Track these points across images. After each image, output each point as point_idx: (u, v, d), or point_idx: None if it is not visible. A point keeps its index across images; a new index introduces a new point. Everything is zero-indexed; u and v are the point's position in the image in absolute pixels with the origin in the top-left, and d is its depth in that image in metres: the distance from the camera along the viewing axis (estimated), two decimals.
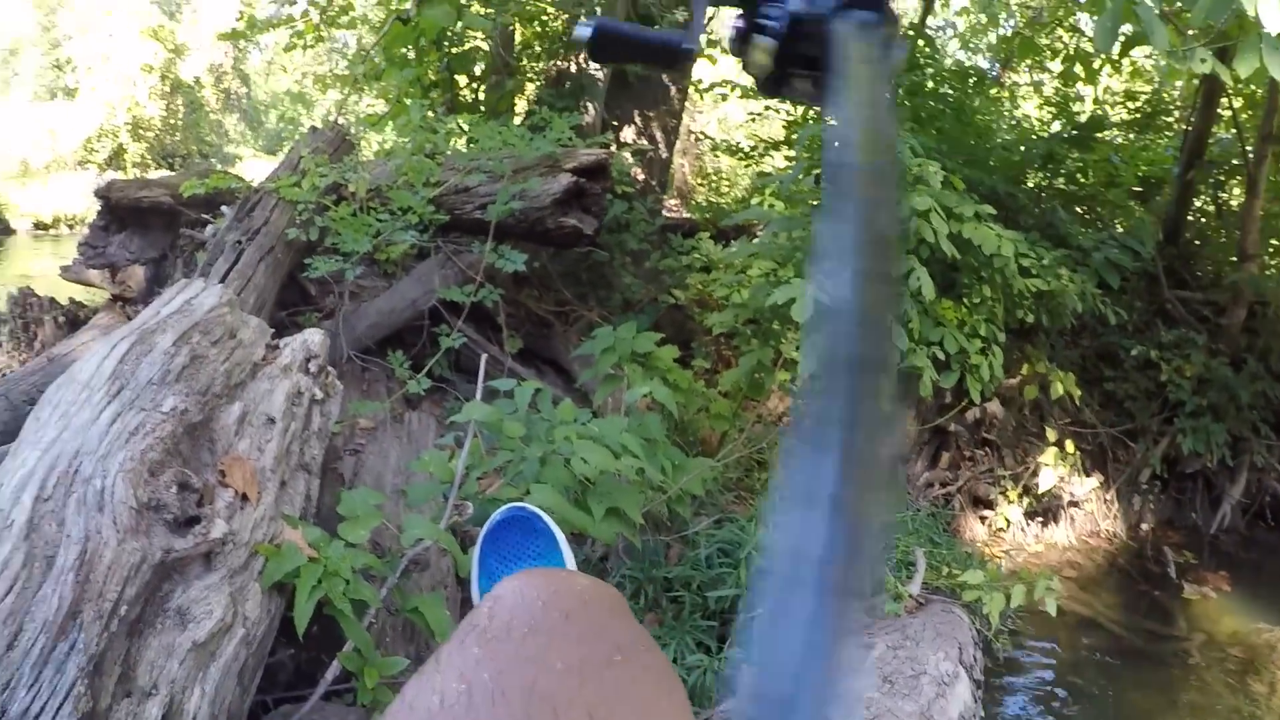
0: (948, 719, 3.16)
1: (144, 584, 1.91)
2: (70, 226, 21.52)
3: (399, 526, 2.83)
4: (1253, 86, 7.43)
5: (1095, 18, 6.85)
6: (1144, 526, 7.22)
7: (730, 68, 9.03)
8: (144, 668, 1.85)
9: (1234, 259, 7.77)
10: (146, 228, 5.97)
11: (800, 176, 5.33)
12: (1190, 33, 4.44)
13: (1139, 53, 9.69)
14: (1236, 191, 8.66)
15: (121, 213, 6.00)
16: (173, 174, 11.56)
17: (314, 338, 3.18)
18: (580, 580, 0.86)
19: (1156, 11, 4.11)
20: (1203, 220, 8.99)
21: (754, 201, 8.16)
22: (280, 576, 2.24)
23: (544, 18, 8.02)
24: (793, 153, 7.72)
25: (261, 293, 4.64)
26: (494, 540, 1.54)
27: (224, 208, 5.43)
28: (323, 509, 2.93)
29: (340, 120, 6.63)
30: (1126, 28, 4.56)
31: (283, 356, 3.01)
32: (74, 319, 5.59)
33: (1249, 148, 7.46)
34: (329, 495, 3.06)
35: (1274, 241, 8.41)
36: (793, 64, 0.81)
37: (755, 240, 6.69)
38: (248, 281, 4.56)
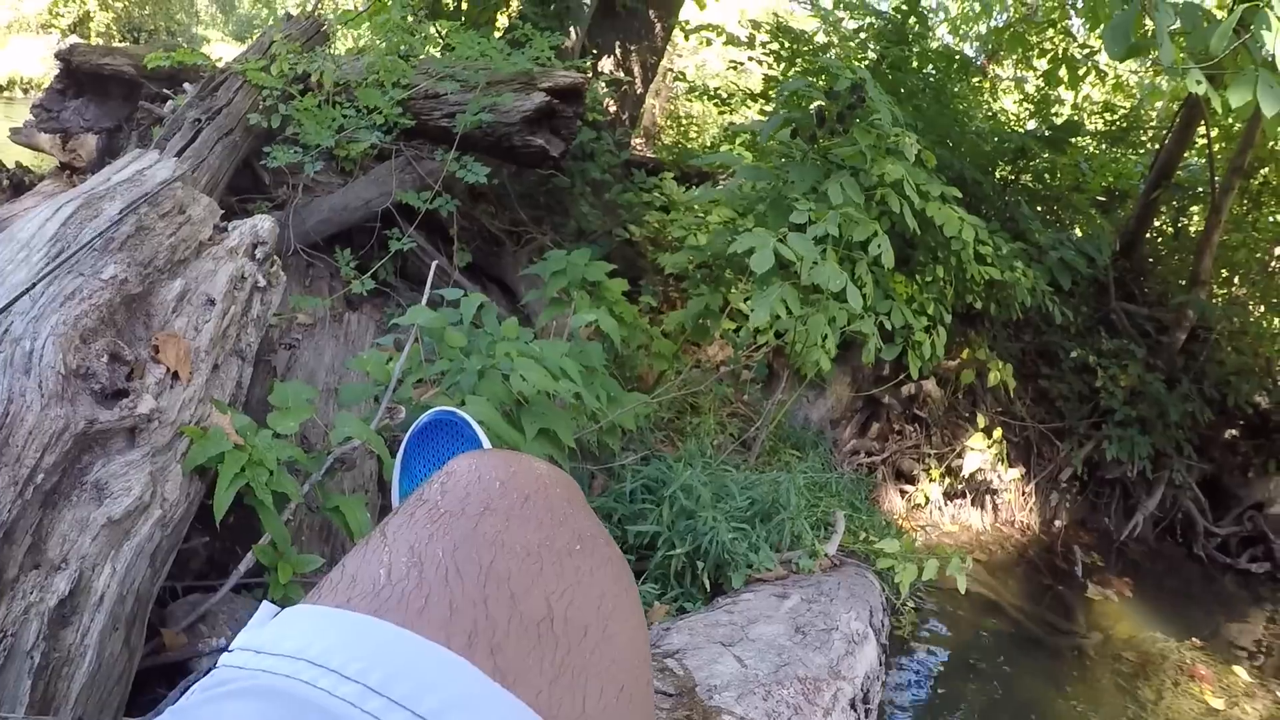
0: (854, 675, 3.21)
1: (64, 453, 1.86)
2: (25, 90, 20.96)
3: (328, 424, 2.80)
4: (1230, 119, 7.57)
5: (1087, 24, 6.91)
6: (1057, 523, 7.39)
7: (717, 14, 8.96)
8: (55, 540, 1.81)
9: (1183, 281, 7.99)
10: (105, 96, 5.80)
11: (774, 130, 5.29)
12: (1181, 54, 4.48)
13: (1123, 68, 9.82)
14: (1196, 217, 8.84)
15: (81, 78, 5.83)
16: (138, 46, 11.32)
17: (264, 224, 3.12)
18: (539, 464, 0.81)
19: (1169, 28, 4.15)
20: (1159, 240, 9.22)
21: (723, 148, 8.13)
22: (203, 460, 2.20)
23: None
24: (768, 107, 7.69)
25: (215, 174, 4.54)
26: (419, 443, 1.50)
27: (187, 85, 5.30)
28: (252, 399, 2.88)
29: (317, 11, 6.49)
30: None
31: (230, 239, 2.95)
32: (19, 184, 5.44)
33: (1218, 177, 7.58)
34: (260, 386, 3.02)
35: (1224, 271, 8.61)
36: None
37: (719, 187, 6.67)
38: (202, 161, 4.45)
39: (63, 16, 25.46)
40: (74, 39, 21.08)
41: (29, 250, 2.31)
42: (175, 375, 2.29)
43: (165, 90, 5.48)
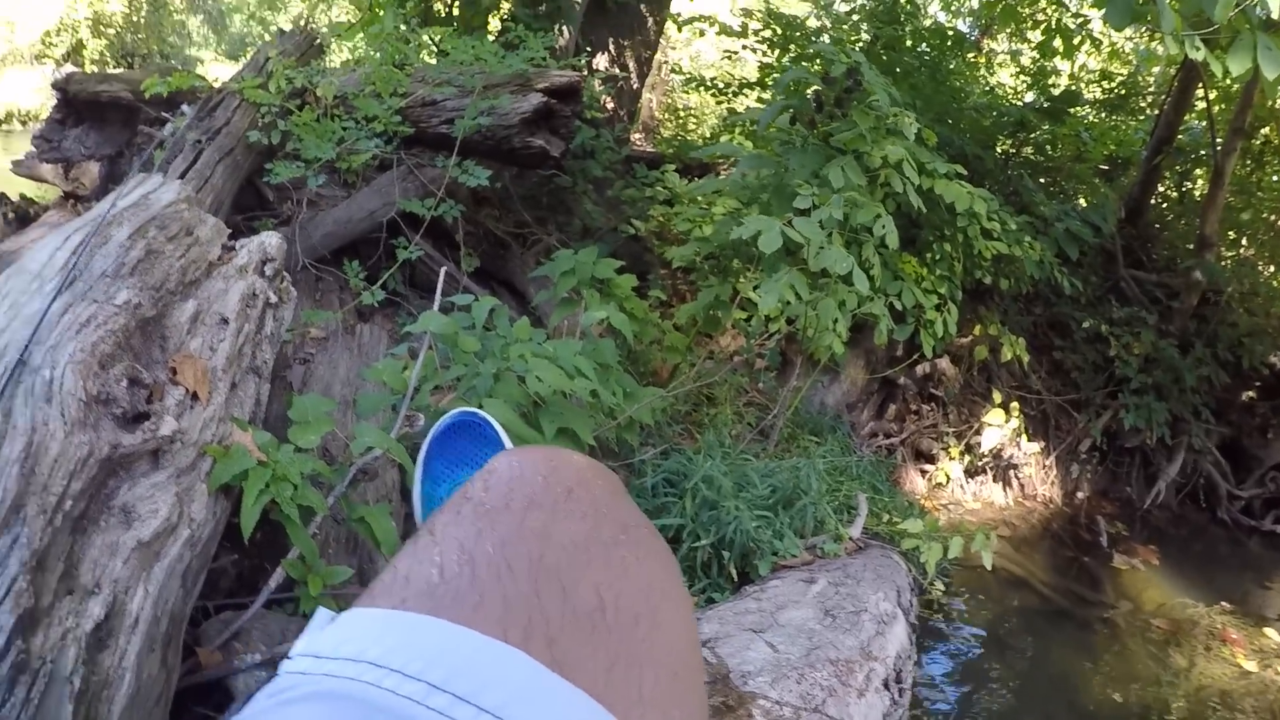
0: (886, 656, 3.21)
1: (90, 479, 1.87)
2: (23, 122, 21.16)
3: (348, 435, 2.81)
4: (1229, 80, 7.57)
5: None
6: (1080, 495, 7.38)
7: (708, 4, 8.98)
8: (87, 565, 1.81)
9: (1190, 246, 7.94)
10: (104, 123, 5.82)
11: (772, 119, 5.29)
12: (1176, 17, 4.48)
13: (1118, 34, 9.80)
14: (1200, 181, 8.80)
15: (79, 107, 5.84)
16: (134, 71, 11.38)
17: (271, 241, 3.13)
18: (578, 458, 0.81)
19: None
20: (1164, 205, 9.20)
21: (723, 139, 8.14)
22: (228, 478, 2.21)
23: None
24: (764, 95, 7.69)
25: (219, 194, 4.56)
26: (442, 444, 1.50)
27: (185, 106, 5.32)
28: (271, 415, 2.89)
29: (310, 24, 6.50)
30: None
31: (239, 257, 2.96)
32: (24, 215, 5.47)
33: (1219, 139, 7.55)
34: (277, 402, 3.03)
35: (1231, 233, 8.58)
36: None
37: (722, 177, 6.68)
38: (205, 182, 4.47)
39: (56, 46, 25.60)
40: (69, 68, 21.23)
41: (41, 280, 2.32)
42: (194, 396, 2.29)
43: (164, 113, 5.49)
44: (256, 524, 2.20)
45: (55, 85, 6.01)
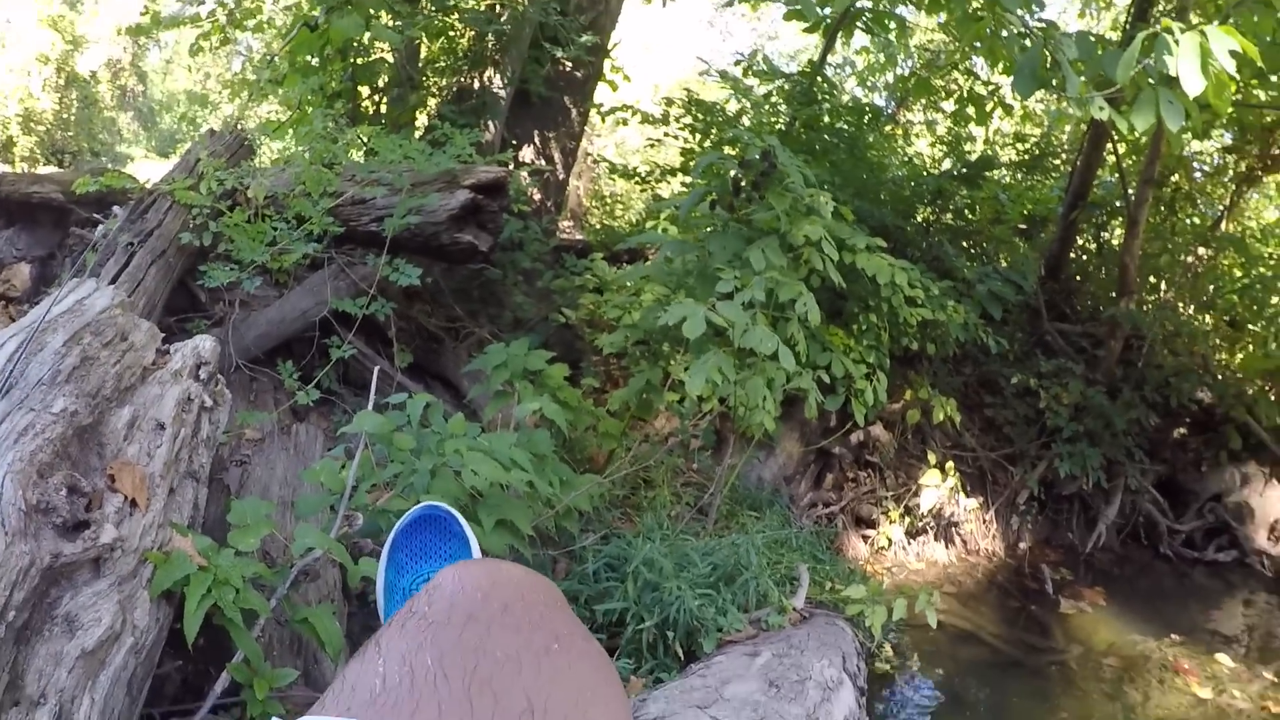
0: None
1: (32, 589, 1.89)
2: None
3: (287, 537, 2.84)
4: (1137, 133, 7.83)
5: (988, 62, 7.16)
6: (1022, 545, 7.50)
7: (631, 93, 9.16)
8: (32, 676, 1.84)
9: (1113, 295, 8.14)
10: (36, 225, 5.80)
11: (695, 204, 5.42)
12: (1080, 79, 4.66)
13: (1031, 98, 10.12)
14: (1117, 231, 9.05)
15: (11, 208, 5.82)
16: (64, 170, 11.34)
17: (205, 344, 3.17)
18: (517, 571, 0.88)
19: (1070, 61, 4.34)
20: (1084, 258, 9.44)
21: (648, 225, 8.26)
22: (169, 584, 2.23)
23: (450, 34, 8.01)
24: (688, 179, 7.84)
25: (151, 297, 4.58)
26: (407, 536, 1.56)
27: (116, 208, 5.32)
28: (209, 519, 2.91)
29: (240, 125, 6.55)
30: None
31: (173, 362, 3.00)
32: None
33: (1131, 190, 7.82)
34: (215, 505, 3.05)
35: (1150, 278, 8.81)
36: None
37: (648, 263, 6.78)
38: (138, 284, 4.49)
39: None
40: None
41: None
42: (133, 502, 2.32)
43: (96, 215, 5.49)
44: (200, 629, 2.22)
45: None
